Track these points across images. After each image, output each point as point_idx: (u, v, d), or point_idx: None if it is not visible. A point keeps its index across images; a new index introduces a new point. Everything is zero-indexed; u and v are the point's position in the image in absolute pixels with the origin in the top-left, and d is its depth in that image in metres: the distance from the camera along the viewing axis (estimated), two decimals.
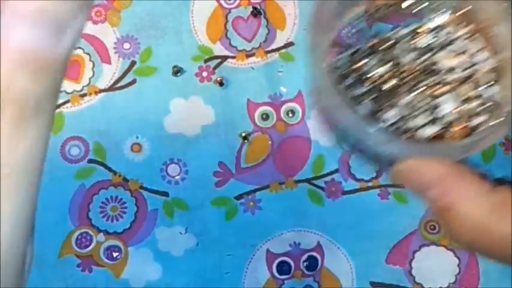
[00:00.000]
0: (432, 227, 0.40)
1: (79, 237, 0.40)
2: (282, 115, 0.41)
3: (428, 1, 0.34)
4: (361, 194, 0.40)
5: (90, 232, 0.40)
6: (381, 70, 0.33)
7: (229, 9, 0.42)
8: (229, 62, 0.41)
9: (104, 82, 0.41)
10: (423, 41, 0.33)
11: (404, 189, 0.39)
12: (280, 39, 0.41)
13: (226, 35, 0.41)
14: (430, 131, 0.31)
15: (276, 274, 0.39)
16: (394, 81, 0.32)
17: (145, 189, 0.41)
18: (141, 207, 0.40)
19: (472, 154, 0.29)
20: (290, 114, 0.41)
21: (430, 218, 0.40)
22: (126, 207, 0.41)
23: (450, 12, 0.33)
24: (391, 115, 0.31)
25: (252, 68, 0.41)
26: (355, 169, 0.40)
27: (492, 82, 0.31)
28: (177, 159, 0.41)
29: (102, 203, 0.41)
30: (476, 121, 0.31)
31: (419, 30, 0.33)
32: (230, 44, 0.42)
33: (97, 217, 0.40)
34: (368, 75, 0.33)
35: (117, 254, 0.40)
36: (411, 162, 0.29)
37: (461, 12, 0.33)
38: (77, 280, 0.40)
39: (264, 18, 0.41)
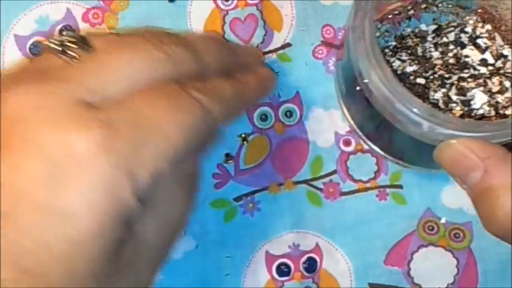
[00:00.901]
0: (430, 228, 0.40)
1: None
2: (280, 116, 0.40)
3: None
4: (359, 195, 0.40)
5: None
6: (411, 67, 0.33)
7: (227, 11, 0.42)
8: None
9: None
10: (449, 37, 0.33)
11: (401, 189, 0.40)
12: (277, 40, 0.41)
13: (223, 36, 0.41)
14: None
15: (276, 276, 0.39)
16: (424, 78, 0.32)
17: None
18: None
19: None
20: (287, 115, 0.40)
21: (428, 219, 0.40)
22: None
23: (471, 11, 0.34)
24: None
25: None
26: (353, 170, 0.40)
27: None
28: None
29: None
30: (507, 112, 0.31)
31: (444, 27, 0.33)
32: None
33: None
34: (398, 72, 0.33)
35: None
36: (456, 144, 0.28)
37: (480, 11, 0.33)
38: None
39: (261, 20, 0.41)
